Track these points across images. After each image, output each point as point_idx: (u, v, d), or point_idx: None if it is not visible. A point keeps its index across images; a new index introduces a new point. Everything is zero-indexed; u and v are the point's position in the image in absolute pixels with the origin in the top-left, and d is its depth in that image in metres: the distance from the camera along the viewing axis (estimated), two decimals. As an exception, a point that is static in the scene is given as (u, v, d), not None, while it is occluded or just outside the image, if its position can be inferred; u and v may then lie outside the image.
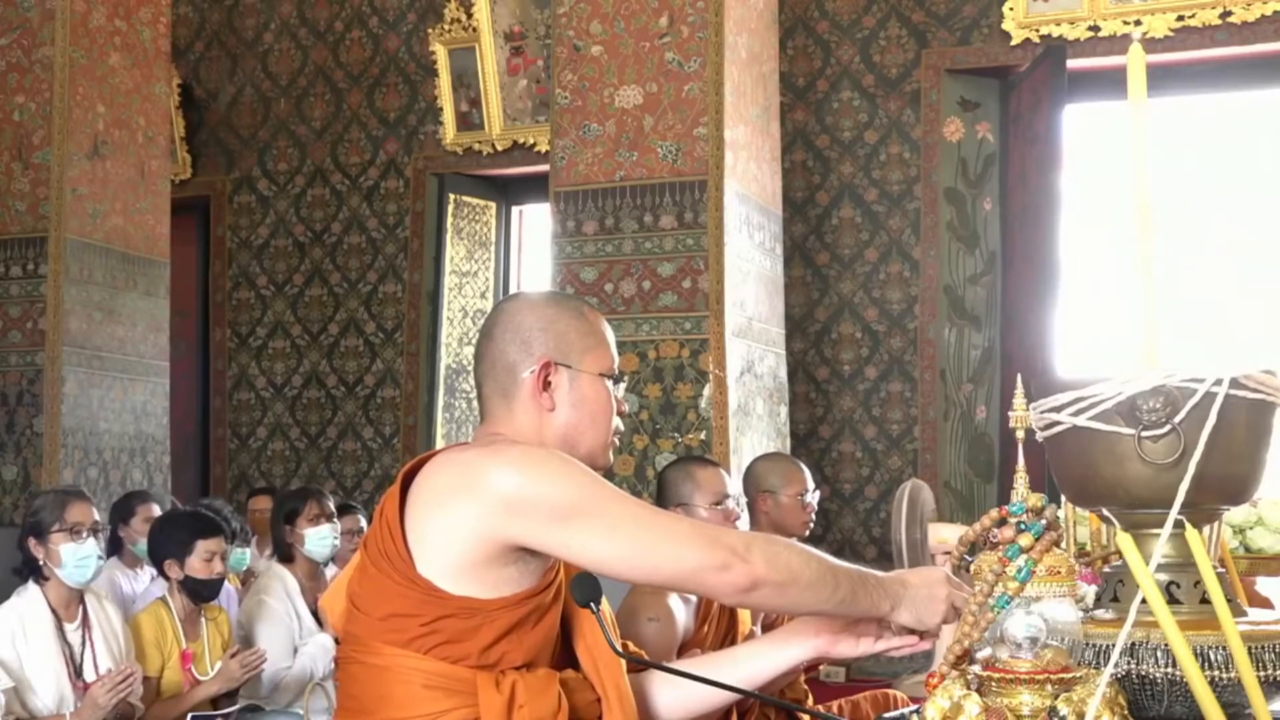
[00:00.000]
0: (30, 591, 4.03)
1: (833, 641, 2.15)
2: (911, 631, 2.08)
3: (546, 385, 2.08)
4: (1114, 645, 1.73)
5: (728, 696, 2.23)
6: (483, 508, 1.92)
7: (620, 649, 2.06)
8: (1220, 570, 2.01)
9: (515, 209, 8.30)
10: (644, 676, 2.20)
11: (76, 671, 4.00)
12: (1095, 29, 6.36)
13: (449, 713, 1.94)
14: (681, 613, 3.42)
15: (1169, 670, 1.83)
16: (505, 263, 8.30)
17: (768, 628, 3.53)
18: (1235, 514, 4.52)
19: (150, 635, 4.30)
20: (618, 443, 2.20)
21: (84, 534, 4.01)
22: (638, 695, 2.14)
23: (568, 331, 2.11)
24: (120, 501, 5.63)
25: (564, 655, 2.10)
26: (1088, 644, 1.88)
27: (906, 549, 4.72)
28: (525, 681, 1.95)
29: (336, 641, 4.43)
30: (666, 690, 2.19)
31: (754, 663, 2.20)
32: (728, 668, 2.18)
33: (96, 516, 4.13)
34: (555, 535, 1.93)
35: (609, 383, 2.13)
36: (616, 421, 2.15)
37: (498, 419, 2.11)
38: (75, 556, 3.98)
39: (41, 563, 4.00)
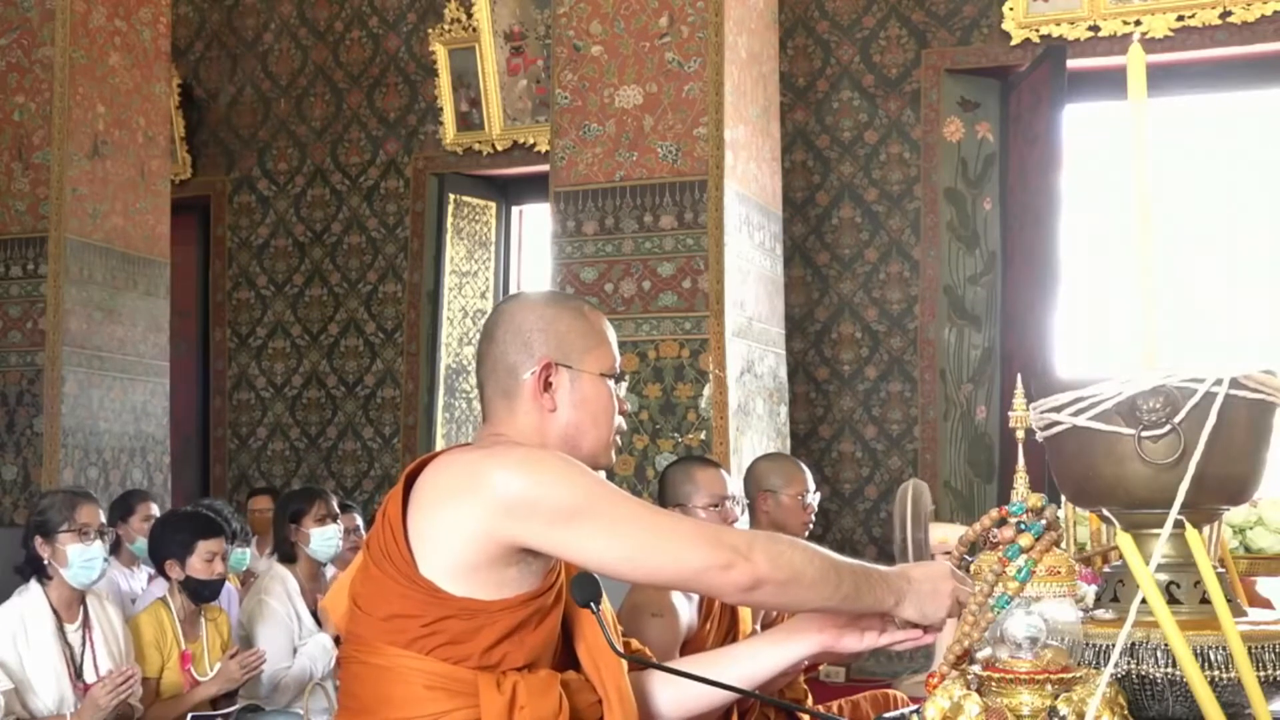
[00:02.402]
0: (32, 591, 4.03)
1: (836, 637, 2.15)
2: (915, 625, 2.08)
3: (548, 386, 2.08)
4: (1114, 645, 1.73)
5: (729, 695, 2.23)
6: (485, 509, 1.93)
7: (620, 649, 2.06)
8: (1220, 570, 2.01)
9: (515, 209, 8.31)
10: (645, 676, 2.19)
11: (77, 672, 4.00)
12: (1095, 29, 6.36)
13: (450, 713, 1.94)
14: (685, 609, 3.42)
15: (1169, 670, 1.83)
16: (505, 263, 8.30)
17: (766, 626, 3.53)
18: (1235, 514, 4.52)
19: (150, 636, 4.30)
20: (619, 442, 2.20)
21: (92, 535, 4.02)
22: (638, 694, 2.14)
23: (568, 332, 2.11)
24: (119, 500, 5.63)
25: (565, 656, 2.10)
26: (1088, 644, 1.88)
27: (912, 548, 4.72)
28: (526, 682, 1.95)
29: (336, 641, 4.45)
30: (667, 689, 2.19)
31: (755, 661, 2.20)
32: (728, 666, 2.18)
33: (103, 519, 4.14)
34: (558, 536, 1.93)
35: (610, 382, 2.13)
36: (619, 421, 2.15)
37: (500, 420, 2.11)
38: (82, 557, 3.99)
39: (46, 562, 4.00)
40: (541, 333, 2.10)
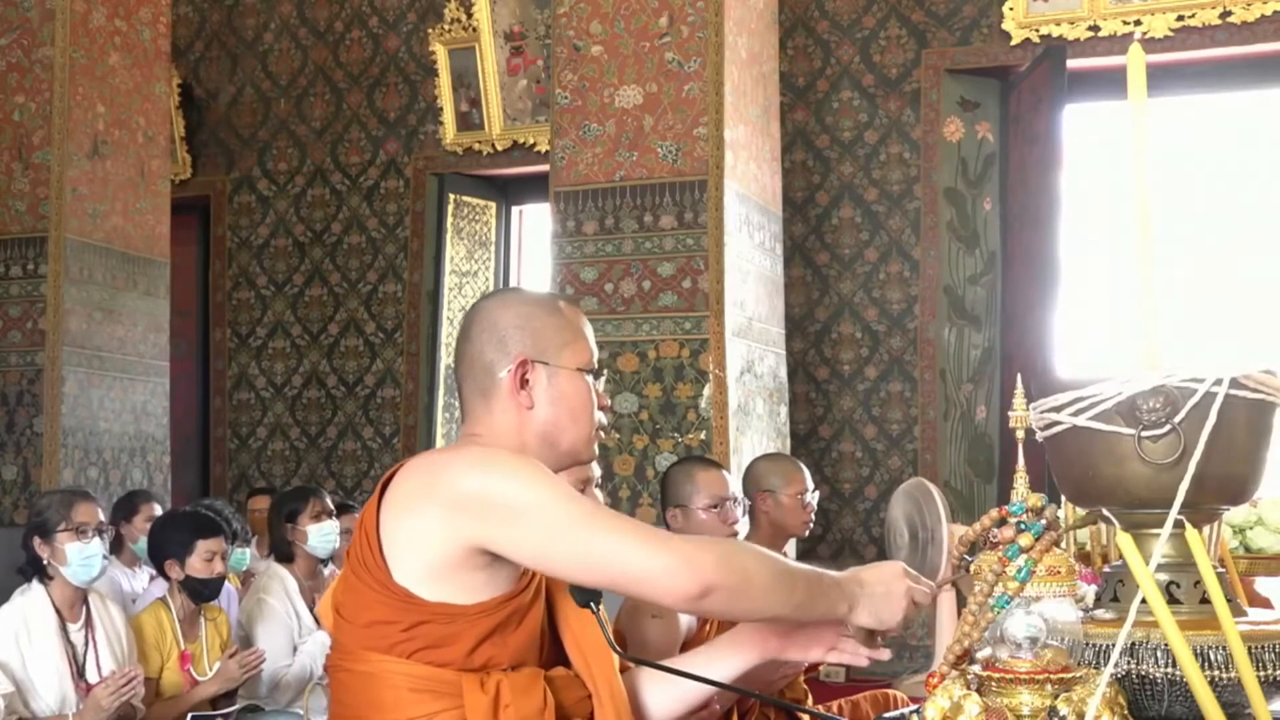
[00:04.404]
0: (34, 591, 4.03)
1: (781, 646, 2.12)
2: (871, 634, 2.02)
3: (524, 383, 2.06)
4: (1114, 645, 1.73)
5: (710, 692, 2.21)
6: (443, 510, 1.92)
7: (617, 647, 2.06)
8: (1220, 570, 2.01)
9: (515, 209, 8.31)
10: (636, 676, 2.19)
11: (79, 672, 3.99)
12: (1095, 29, 6.36)
13: (437, 714, 1.94)
14: (683, 611, 3.42)
15: (1169, 670, 1.83)
16: (505, 263, 8.30)
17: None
18: (1235, 514, 4.52)
19: (150, 636, 4.30)
20: (602, 436, 2.18)
21: (89, 534, 4.01)
22: (630, 696, 2.13)
23: (544, 328, 2.09)
24: (123, 500, 5.64)
25: (557, 652, 2.10)
26: (1088, 644, 1.88)
27: (933, 545, 4.68)
28: (510, 681, 1.95)
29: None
30: (658, 689, 2.18)
31: (707, 670, 2.15)
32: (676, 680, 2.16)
33: (102, 517, 4.14)
34: (506, 534, 1.91)
35: (589, 378, 2.10)
36: (599, 415, 2.13)
37: (478, 419, 2.09)
38: (81, 556, 3.99)
39: (46, 562, 4.00)
40: (517, 330, 2.08)
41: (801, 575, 1.96)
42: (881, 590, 1.99)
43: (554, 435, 2.08)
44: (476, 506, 1.91)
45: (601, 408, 2.13)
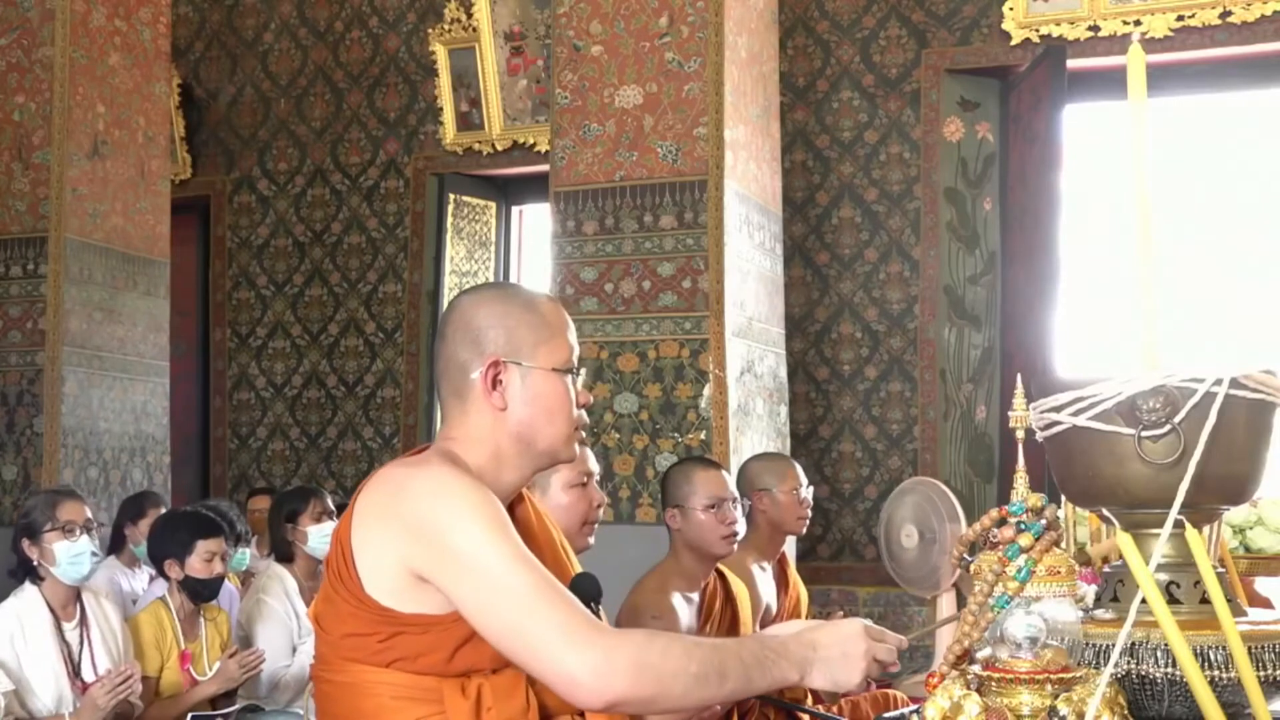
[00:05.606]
0: (28, 591, 4.02)
1: None
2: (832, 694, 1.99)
3: (496, 384, 2.02)
4: (1114, 645, 1.73)
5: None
6: (399, 531, 1.91)
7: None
8: (1220, 570, 2.01)
9: (515, 209, 8.31)
10: None
11: (75, 671, 3.99)
12: (1095, 29, 6.36)
13: None
14: (684, 611, 3.42)
15: (1169, 670, 1.83)
16: (505, 263, 8.30)
17: (765, 625, 3.53)
18: (1235, 514, 4.52)
19: (149, 635, 4.30)
20: (582, 435, 2.14)
21: (77, 532, 4.00)
22: None
23: (517, 326, 2.04)
24: (130, 500, 5.64)
25: None
26: (1088, 644, 1.88)
27: (935, 545, 4.67)
28: (491, 684, 1.93)
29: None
30: None
31: None
32: None
33: (89, 514, 4.12)
34: (447, 579, 1.88)
35: (567, 377, 2.06)
36: (580, 414, 2.09)
37: (453, 421, 2.06)
38: (69, 554, 3.98)
39: (36, 563, 4.00)
40: (491, 329, 2.04)
41: (734, 660, 1.89)
42: (837, 653, 1.94)
43: (529, 436, 2.04)
44: (426, 539, 1.89)
45: (582, 405, 2.09)
